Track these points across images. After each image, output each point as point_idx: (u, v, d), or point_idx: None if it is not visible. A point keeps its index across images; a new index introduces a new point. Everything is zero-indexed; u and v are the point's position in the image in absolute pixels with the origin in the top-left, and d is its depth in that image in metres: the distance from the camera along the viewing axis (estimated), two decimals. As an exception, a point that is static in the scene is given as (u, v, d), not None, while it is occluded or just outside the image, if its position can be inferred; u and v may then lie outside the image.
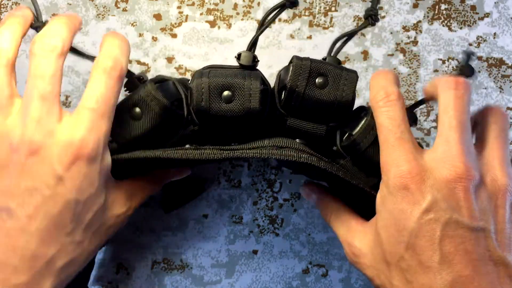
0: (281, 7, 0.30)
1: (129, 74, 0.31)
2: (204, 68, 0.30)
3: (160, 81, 0.31)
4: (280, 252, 0.40)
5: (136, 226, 0.40)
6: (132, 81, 0.31)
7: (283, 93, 0.30)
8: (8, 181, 0.25)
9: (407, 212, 0.24)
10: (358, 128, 0.30)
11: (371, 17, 0.31)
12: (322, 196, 0.33)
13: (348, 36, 0.31)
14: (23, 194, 0.25)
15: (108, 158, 0.28)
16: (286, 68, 0.30)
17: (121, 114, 0.29)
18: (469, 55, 0.29)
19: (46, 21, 0.29)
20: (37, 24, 0.29)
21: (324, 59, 0.31)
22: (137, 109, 0.29)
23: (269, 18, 0.30)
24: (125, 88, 0.32)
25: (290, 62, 0.30)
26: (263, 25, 0.30)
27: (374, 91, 0.28)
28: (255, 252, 0.40)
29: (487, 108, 0.28)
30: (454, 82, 0.26)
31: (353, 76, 0.29)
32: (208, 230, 0.40)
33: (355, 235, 0.29)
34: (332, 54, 0.31)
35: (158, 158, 0.28)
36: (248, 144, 0.30)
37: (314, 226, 0.40)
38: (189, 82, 0.30)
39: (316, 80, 0.29)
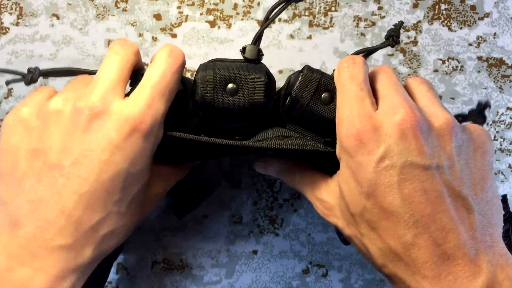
0: (287, 2, 0.30)
1: (136, 72, 0.31)
2: (208, 62, 0.30)
3: None
4: (280, 252, 0.40)
5: (136, 226, 0.40)
6: (137, 78, 0.31)
7: (287, 99, 0.30)
8: (67, 139, 0.26)
9: (363, 164, 0.25)
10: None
11: (392, 38, 0.31)
12: (283, 163, 0.34)
13: (368, 52, 0.31)
14: (79, 154, 0.26)
15: (159, 139, 0.28)
16: (296, 75, 0.30)
17: None
18: (485, 105, 0.29)
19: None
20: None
21: None
22: None
23: (274, 12, 0.30)
24: (131, 87, 0.31)
25: (302, 70, 0.30)
26: (268, 19, 0.30)
27: (342, 60, 0.29)
28: (255, 252, 0.40)
29: (408, 79, 0.31)
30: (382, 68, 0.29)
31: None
32: (208, 230, 0.40)
33: (322, 190, 0.30)
34: None
35: (182, 139, 0.29)
36: (254, 138, 0.30)
37: (314, 226, 0.40)
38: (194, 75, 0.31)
39: (322, 95, 0.29)
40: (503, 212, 0.27)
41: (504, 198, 0.35)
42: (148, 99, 0.27)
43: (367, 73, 0.28)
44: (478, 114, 0.29)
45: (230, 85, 0.29)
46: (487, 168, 0.26)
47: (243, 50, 0.30)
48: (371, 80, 0.29)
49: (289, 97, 0.30)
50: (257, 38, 0.30)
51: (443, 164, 0.25)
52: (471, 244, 0.24)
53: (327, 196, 0.30)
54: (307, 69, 0.30)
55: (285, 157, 0.36)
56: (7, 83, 0.31)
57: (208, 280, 0.40)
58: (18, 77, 0.31)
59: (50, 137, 0.26)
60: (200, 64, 0.30)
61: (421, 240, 0.24)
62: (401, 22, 0.31)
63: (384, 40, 0.31)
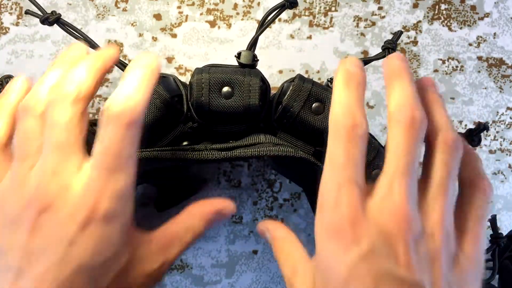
0: (281, 8, 0.30)
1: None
2: (204, 66, 0.31)
3: (161, 77, 0.31)
4: (280, 252, 0.40)
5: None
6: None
7: (279, 107, 0.30)
8: (20, 238, 0.23)
9: (339, 257, 0.22)
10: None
11: (388, 50, 0.31)
12: (276, 231, 0.29)
13: (363, 62, 0.31)
14: (33, 254, 0.23)
15: (130, 211, 0.24)
16: (288, 84, 0.30)
17: None
18: (484, 127, 0.28)
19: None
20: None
21: (331, 79, 0.31)
22: None
23: (269, 18, 0.30)
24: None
25: (293, 80, 0.30)
26: (263, 25, 0.30)
27: (339, 109, 0.23)
28: (255, 252, 0.40)
29: (478, 177, 0.25)
30: (410, 117, 0.23)
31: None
32: (208, 230, 0.40)
33: (298, 276, 0.26)
34: None
35: (155, 158, 0.28)
36: (245, 140, 0.30)
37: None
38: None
39: (313, 105, 0.29)
40: (488, 238, 0.25)
41: (493, 219, 0.35)
42: (98, 182, 0.23)
43: (365, 146, 0.23)
44: (475, 135, 0.29)
45: (225, 88, 0.29)
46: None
47: (238, 56, 0.30)
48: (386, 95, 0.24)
49: (280, 106, 0.30)
50: (252, 44, 0.30)
51: (425, 282, 0.21)
52: None
53: (298, 282, 0.25)
54: (299, 78, 0.30)
55: (280, 166, 0.36)
56: (26, 12, 0.31)
57: (208, 280, 0.40)
58: (39, 13, 0.31)
59: (9, 236, 0.23)
60: (196, 68, 0.30)
61: None
62: (400, 32, 0.31)
63: (381, 49, 0.31)
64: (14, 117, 0.25)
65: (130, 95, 0.23)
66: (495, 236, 0.34)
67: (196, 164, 0.34)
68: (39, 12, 0.31)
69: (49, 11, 0.40)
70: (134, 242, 0.25)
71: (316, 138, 0.30)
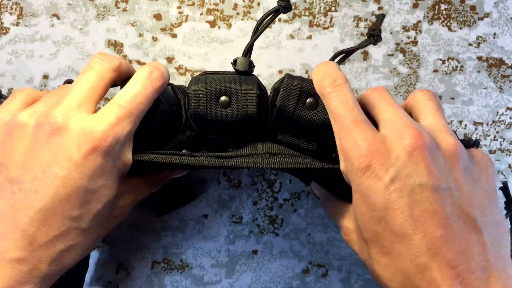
0: (274, 13, 0.30)
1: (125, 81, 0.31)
2: (200, 75, 0.31)
3: None
4: (280, 252, 0.40)
5: (136, 226, 0.40)
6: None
7: (274, 110, 0.30)
8: (27, 154, 0.26)
9: (373, 188, 0.25)
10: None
11: (373, 37, 0.31)
12: (324, 191, 0.34)
13: (347, 53, 0.31)
14: (37, 170, 0.26)
15: (127, 157, 0.28)
16: (278, 86, 0.30)
17: None
18: (474, 144, 0.30)
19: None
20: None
21: None
22: None
23: (263, 23, 0.30)
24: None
25: (282, 80, 0.30)
26: (257, 30, 0.30)
27: (319, 77, 0.28)
28: (255, 252, 0.40)
29: (417, 91, 0.30)
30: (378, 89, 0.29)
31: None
32: (208, 230, 0.40)
33: (343, 216, 0.30)
34: None
35: (153, 162, 0.28)
36: (243, 150, 0.30)
37: (314, 226, 0.40)
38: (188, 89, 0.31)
39: (307, 100, 0.29)
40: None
41: (505, 186, 0.35)
42: (114, 118, 0.27)
43: (352, 91, 0.28)
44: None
45: (222, 98, 0.29)
46: (493, 191, 0.27)
47: (234, 63, 0.30)
48: (367, 104, 0.29)
49: (274, 108, 0.30)
50: (248, 50, 0.30)
51: (451, 185, 0.25)
52: (484, 267, 0.24)
53: (347, 221, 0.30)
54: (288, 77, 0.30)
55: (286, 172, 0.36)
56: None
57: (208, 280, 0.40)
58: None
59: (13, 151, 0.26)
60: (192, 78, 0.30)
61: (434, 262, 0.23)
62: (382, 16, 0.31)
63: (366, 36, 0.31)
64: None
65: (165, 72, 0.29)
66: (509, 201, 0.34)
67: (192, 170, 0.34)
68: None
69: (49, 12, 0.40)
70: (120, 180, 0.29)
71: (317, 133, 0.30)
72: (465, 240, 0.24)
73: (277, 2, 0.30)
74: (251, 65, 0.30)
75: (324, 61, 0.30)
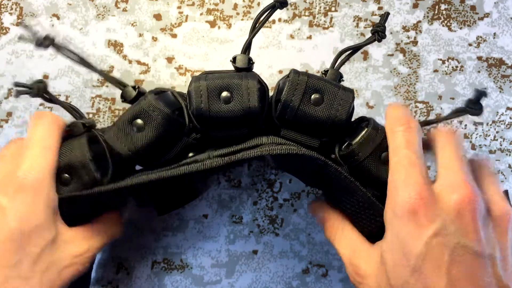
0: (271, 8, 0.30)
1: (122, 83, 0.31)
2: (200, 74, 0.31)
3: (159, 92, 0.31)
4: (280, 252, 0.40)
5: (136, 226, 0.40)
6: (127, 92, 0.31)
7: (278, 105, 0.30)
8: None
9: (415, 236, 0.24)
10: (358, 138, 0.29)
11: (378, 33, 0.31)
12: (328, 213, 0.32)
13: (353, 50, 0.31)
14: None
15: (55, 195, 0.28)
16: (284, 80, 0.30)
17: (124, 127, 0.29)
18: (481, 93, 0.29)
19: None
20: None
21: (326, 71, 0.31)
22: (139, 121, 0.29)
23: (260, 20, 0.30)
24: (122, 99, 0.32)
25: (288, 75, 0.30)
26: (255, 28, 0.30)
27: (394, 118, 0.28)
28: (255, 252, 0.40)
29: (481, 159, 0.29)
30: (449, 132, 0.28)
31: (349, 95, 0.29)
32: (208, 230, 0.40)
33: (360, 257, 0.28)
34: (335, 67, 0.31)
35: (163, 179, 0.28)
36: (247, 142, 0.30)
37: (314, 226, 0.40)
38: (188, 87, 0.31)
39: (312, 96, 0.29)
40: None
41: (505, 193, 0.35)
42: (29, 157, 0.27)
43: (421, 138, 0.27)
44: (475, 103, 0.29)
45: (224, 93, 0.29)
46: None
47: (234, 60, 0.30)
48: (432, 144, 0.28)
49: (279, 103, 0.30)
50: (247, 47, 0.30)
51: (496, 255, 0.24)
52: None
53: (364, 263, 0.28)
54: (294, 72, 0.30)
55: (284, 165, 0.36)
56: (20, 38, 0.32)
57: (208, 280, 0.40)
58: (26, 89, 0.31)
59: None
60: (192, 77, 0.30)
61: None
62: (387, 14, 0.31)
63: (371, 33, 0.31)
64: None
65: (48, 113, 0.30)
66: None
67: (201, 174, 0.34)
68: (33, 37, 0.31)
69: (49, 12, 0.40)
70: (59, 225, 0.28)
71: (320, 130, 0.30)
72: None
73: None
74: (250, 62, 0.30)
75: (399, 103, 0.29)
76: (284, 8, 0.30)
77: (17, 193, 0.26)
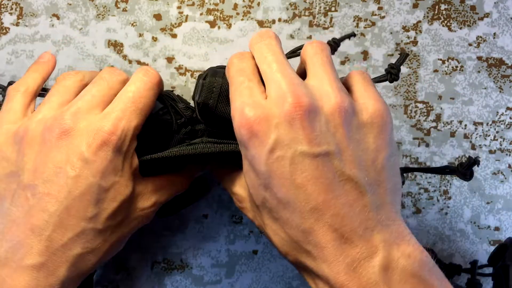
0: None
1: None
2: (218, 67, 0.31)
3: None
4: (280, 252, 0.40)
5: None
6: None
7: (199, 106, 0.30)
8: (39, 159, 0.26)
9: (257, 156, 0.25)
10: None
11: (391, 74, 0.30)
12: (220, 169, 0.33)
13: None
14: (49, 173, 0.26)
15: (135, 154, 0.29)
16: (202, 82, 0.30)
17: None
18: (474, 162, 0.28)
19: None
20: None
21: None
22: None
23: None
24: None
25: (205, 77, 0.30)
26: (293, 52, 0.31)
27: (231, 56, 0.29)
28: (255, 252, 0.40)
29: (307, 45, 0.29)
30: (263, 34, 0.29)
31: None
32: (208, 230, 0.40)
33: (235, 183, 0.30)
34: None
35: (159, 158, 0.29)
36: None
37: (314, 226, 0.40)
38: (203, 77, 0.31)
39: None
40: (401, 189, 0.27)
41: (473, 265, 0.36)
42: (119, 113, 0.27)
43: (254, 65, 0.28)
44: (466, 169, 0.29)
45: None
46: (382, 147, 0.26)
47: None
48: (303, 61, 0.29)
49: (199, 105, 0.30)
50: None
51: (333, 150, 0.24)
52: (366, 225, 0.24)
53: (239, 189, 0.30)
54: (211, 74, 0.30)
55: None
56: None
57: (208, 280, 0.40)
58: None
59: (24, 158, 0.27)
60: (210, 68, 0.30)
61: (317, 226, 0.24)
62: (406, 55, 0.30)
63: (385, 72, 0.31)
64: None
65: (154, 71, 0.30)
66: (473, 282, 0.36)
67: (193, 159, 0.34)
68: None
69: (49, 12, 0.40)
70: (136, 179, 0.29)
71: None
72: (346, 202, 0.24)
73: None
74: None
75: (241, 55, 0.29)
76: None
77: (100, 148, 0.26)
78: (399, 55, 0.30)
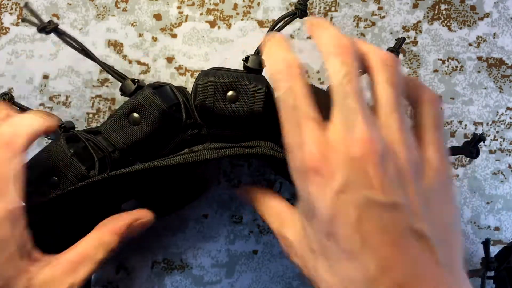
0: (292, 15, 0.30)
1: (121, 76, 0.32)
2: (210, 69, 0.31)
3: (157, 86, 0.31)
4: (280, 252, 0.40)
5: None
6: (126, 85, 0.31)
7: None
8: None
9: (319, 197, 0.22)
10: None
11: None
12: (254, 193, 0.31)
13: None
14: None
15: (22, 236, 0.24)
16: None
17: (120, 120, 0.30)
18: (480, 138, 0.28)
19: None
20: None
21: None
22: (135, 115, 0.30)
23: (278, 26, 0.30)
24: (121, 92, 0.32)
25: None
26: (273, 30, 0.30)
27: (272, 61, 0.25)
28: (255, 252, 0.40)
29: (422, 91, 0.26)
30: (337, 45, 0.24)
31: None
32: (208, 230, 0.40)
33: (286, 226, 0.27)
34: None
35: (151, 168, 0.28)
36: (244, 143, 0.30)
37: (314, 226, 0.40)
38: (196, 80, 0.31)
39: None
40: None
41: (486, 243, 0.35)
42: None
43: (306, 82, 0.24)
44: (472, 147, 0.29)
45: (230, 93, 0.29)
46: (449, 205, 0.24)
47: (246, 60, 0.30)
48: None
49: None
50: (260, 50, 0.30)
51: (403, 201, 0.22)
52: (435, 286, 0.22)
53: (291, 234, 0.26)
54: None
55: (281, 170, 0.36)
56: (23, 20, 0.32)
57: (208, 280, 0.40)
58: (35, 21, 0.31)
59: None
60: (202, 71, 0.30)
61: (383, 282, 0.22)
62: (403, 39, 0.30)
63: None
64: None
65: (21, 129, 0.26)
66: (487, 261, 0.34)
67: (196, 166, 0.34)
68: (36, 21, 0.31)
69: (49, 12, 0.40)
70: (32, 268, 0.24)
71: (241, 123, 0.30)
72: (417, 259, 0.22)
73: (295, 5, 0.30)
74: (261, 65, 0.30)
75: (272, 35, 0.26)
76: (305, 17, 0.31)
77: None
78: (395, 41, 0.31)
